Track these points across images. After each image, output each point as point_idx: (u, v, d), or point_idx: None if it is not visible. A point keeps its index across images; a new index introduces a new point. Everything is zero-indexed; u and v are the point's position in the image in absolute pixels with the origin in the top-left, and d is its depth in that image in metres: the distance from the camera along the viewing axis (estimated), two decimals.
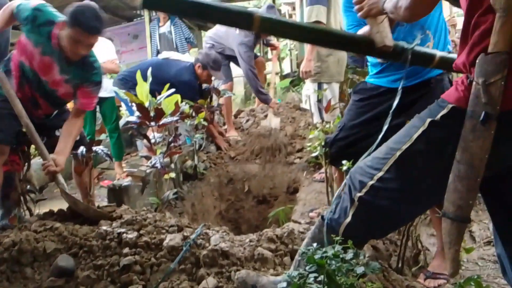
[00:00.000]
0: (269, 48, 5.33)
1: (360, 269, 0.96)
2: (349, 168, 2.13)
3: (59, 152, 2.14)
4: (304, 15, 3.26)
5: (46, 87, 2.23)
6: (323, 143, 2.56)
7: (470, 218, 1.17)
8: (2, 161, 2.13)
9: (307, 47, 3.52)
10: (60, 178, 2.13)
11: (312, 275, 0.98)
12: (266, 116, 4.51)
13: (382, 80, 1.99)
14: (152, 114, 2.57)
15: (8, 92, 2.10)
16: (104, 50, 4.45)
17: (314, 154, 2.75)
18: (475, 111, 1.05)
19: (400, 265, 1.95)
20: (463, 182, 1.10)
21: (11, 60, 2.26)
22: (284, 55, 10.70)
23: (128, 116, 3.78)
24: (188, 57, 4.16)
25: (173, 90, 2.82)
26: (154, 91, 2.79)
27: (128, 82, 3.49)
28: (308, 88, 3.51)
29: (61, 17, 2.14)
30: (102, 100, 3.70)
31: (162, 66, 3.68)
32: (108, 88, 3.70)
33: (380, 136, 1.49)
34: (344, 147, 2.16)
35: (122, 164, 4.13)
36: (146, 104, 2.56)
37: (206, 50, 3.83)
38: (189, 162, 3.34)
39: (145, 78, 2.68)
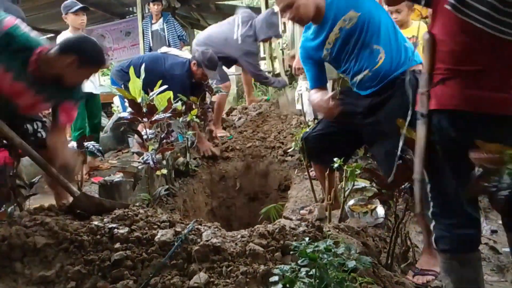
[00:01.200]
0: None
1: (351, 263, 0.97)
2: (340, 166, 2.18)
3: (67, 160, 2.15)
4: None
5: (19, 108, 2.12)
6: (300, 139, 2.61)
7: None
8: None
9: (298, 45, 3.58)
10: (71, 188, 2.13)
11: (304, 269, 0.99)
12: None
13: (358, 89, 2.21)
14: (144, 110, 2.57)
15: None
16: None
17: (290, 150, 2.83)
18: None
19: (389, 261, 1.97)
20: None
21: None
22: (276, 54, 10.69)
23: (120, 112, 3.75)
24: (188, 54, 4.16)
25: (165, 86, 2.82)
26: (149, 84, 2.79)
27: (125, 75, 3.47)
28: (301, 86, 3.52)
29: (37, 41, 2.05)
30: (89, 96, 3.67)
31: (159, 59, 3.70)
32: (96, 84, 3.68)
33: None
34: (320, 138, 2.36)
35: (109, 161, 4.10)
36: (139, 100, 2.55)
37: (203, 49, 3.83)
38: (181, 159, 3.34)
39: (138, 74, 2.66)
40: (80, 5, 3.83)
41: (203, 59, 3.69)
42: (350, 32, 2.06)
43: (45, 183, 2.45)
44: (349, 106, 2.19)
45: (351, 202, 2.52)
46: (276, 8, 3.79)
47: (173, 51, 4.05)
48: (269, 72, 5.31)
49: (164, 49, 4.09)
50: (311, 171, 3.37)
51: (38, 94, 2.10)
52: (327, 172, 2.40)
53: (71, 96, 2.22)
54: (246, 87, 5.23)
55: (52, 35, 7.45)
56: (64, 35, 4.04)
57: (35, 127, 2.33)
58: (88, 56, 2.03)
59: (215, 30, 4.51)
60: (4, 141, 2.16)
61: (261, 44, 7.58)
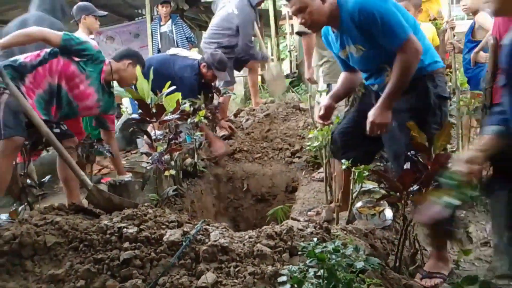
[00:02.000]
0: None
1: (359, 264, 0.97)
2: (348, 168, 2.17)
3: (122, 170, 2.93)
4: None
5: (74, 109, 2.65)
6: (323, 141, 2.61)
7: None
8: (16, 153, 2.26)
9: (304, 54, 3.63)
10: (87, 180, 2.26)
11: (312, 270, 0.99)
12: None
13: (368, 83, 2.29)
14: (153, 110, 2.59)
15: (24, 105, 2.25)
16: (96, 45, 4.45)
17: (308, 146, 2.83)
18: None
19: (397, 264, 1.96)
20: None
21: (36, 72, 2.47)
22: (284, 56, 10.72)
23: (129, 113, 3.79)
24: (197, 55, 4.17)
25: (173, 87, 2.84)
26: (158, 86, 2.82)
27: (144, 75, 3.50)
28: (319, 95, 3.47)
29: (104, 56, 2.75)
30: None
31: (168, 61, 3.72)
32: None
33: None
34: (343, 133, 2.40)
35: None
36: (148, 100, 2.57)
37: (212, 51, 3.85)
38: (189, 160, 3.35)
39: (146, 76, 2.69)
40: (102, 12, 4.02)
41: (213, 61, 3.72)
42: (358, 58, 2.11)
43: (60, 180, 2.57)
44: (368, 105, 2.16)
45: (359, 204, 2.51)
46: None
47: (182, 52, 4.07)
48: (266, 60, 5.29)
49: (173, 50, 4.11)
50: (319, 172, 3.38)
51: (97, 101, 2.69)
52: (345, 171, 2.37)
53: (113, 104, 2.87)
54: (252, 89, 5.23)
55: None
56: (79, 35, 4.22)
57: (63, 129, 2.65)
58: (139, 58, 2.85)
59: (214, 20, 4.52)
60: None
61: (269, 45, 7.57)
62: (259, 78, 8.19)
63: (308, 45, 3.53)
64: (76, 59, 2.55)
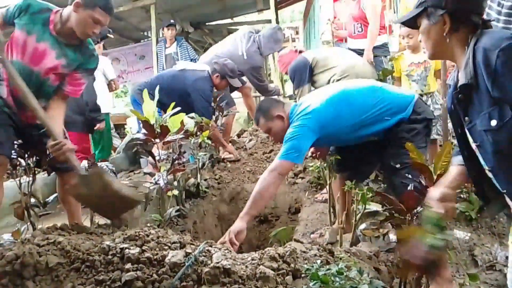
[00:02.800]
0: None
1: (364, 287, 0.96)
2: (350, 188, 2.19)
3: (59, 133, 2.16)
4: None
5: (39, 77, 2.24)
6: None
7: None
8: (3, 173, 2.16)
9: None
10: (75, 159, 2.13)
11: None
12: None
13: None
14: (157, 131, 2.61)
15: (16, 82, 2.07)
16: (106, 69, 4.61)
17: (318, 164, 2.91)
18: None
19: (402, 287, 1.93)
20: None
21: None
22: (286, 77, 10.83)
23: (133, 134, 3.82)
24: (203, 65, 4.21)
25: (178, 108, 2.86)
26: (171, 102, 2.84)
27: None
28: None
29: (54, 6, 2.27)
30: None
31: (179, 76, 3.78)
32: (110, 106, 3.80)
33: None
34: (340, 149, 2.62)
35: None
36: (152, 121, 2.59)
37: (222, 61, 3.94)
38: (192, 180, 3.35)
39: (152, 97, 2.72)
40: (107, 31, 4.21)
41: (226, 70, 3.82)
42: None
43: (60, 201, 2.48)
44: None
45: (363, 226, 2.50)
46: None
47: (189, 65, 4.11)
48: (278, 95, 5.38)
49: (180, 65, 4.14)
50: (322, 193, 3.36)
51: (58, 57, 2.24)
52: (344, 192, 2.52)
53: (87, 63, 2.34)
54: (251, 112, 5.28)
55: None
56: (103, 59, 4.47)
57: None
58: None
59: (219, 49, 4.62)
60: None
61: (272, 66, 7.71)
62: (262, 98, 8.28)
63: None
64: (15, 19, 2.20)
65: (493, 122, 1.19)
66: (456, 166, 1.50)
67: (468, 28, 1.31)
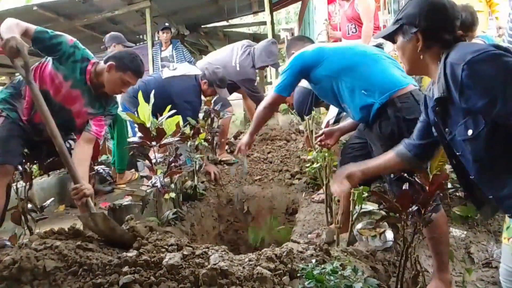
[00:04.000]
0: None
1: (358, 285, 0.97)
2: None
3: (83, 177, 2.18)
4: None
5: (69, 115, 2.38)
6: (323, 163, 2.64)
7: None
8: (7, 181, 2.17)
9: None
10: (91, 203, 2.12)
11: None
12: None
13: None
14: (153, 134, 2.61)
15: (42, 109, 2.05)
16: None
17: (314, 165, 2.87)
18: None
19: (399, 286, 1.94)
20: None
21: (23, 84, 2.31)
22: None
23: (129, 137, 3.82)
24: (193, 68, 4.17)
25: (174, 111, 2.87)
26: (158, 110, 2.85)
27: (138, 101, 3.51)
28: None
29: (92, 56, 2.42)
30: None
31: (164, 86, 3.72)
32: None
33: None
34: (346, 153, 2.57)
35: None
36: (148, 124, 2.60)
37: (213, 68, 3.90)
38: (189, 183, 3.36)
39: (147, 100, 2.73)
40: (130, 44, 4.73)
41: (214, 79, 3.78)
42: None
43: (75, 204, 2.48)
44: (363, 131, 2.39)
45: (359, 225, 2.51)
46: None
47: (177, 70, 4.00)
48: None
49: (167, 72, 3.97)
50: (319, 194, 3.38)
51: (86, 106, 2.41)
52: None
53: (110, 110, 2.53)
54: (249, 112, 5.29)
55: None
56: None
57: (68, 145, 2.44)
58: (124, 61, 2.35)
59: (213, 57, 4.62)
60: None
61: (268, 69, 7.71)
62: None
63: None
64: (52, 57, 2.29)
65: (469, 132, 1.24)
66: (392, 153, 1.70)
67: (439, 44, 1.37)
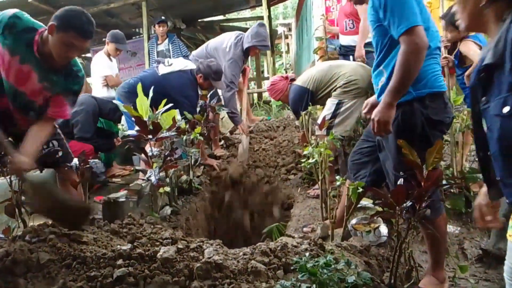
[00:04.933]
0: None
1: (351, 278, 0.98)
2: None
3: (26, 153, 2.00)
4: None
5: (25, 98, 2.16)
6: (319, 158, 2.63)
7: None
8: None
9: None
10: (24, 176, 1.99)
11: (305, 285, 1.00)
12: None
13: None
14: (150, 128, 2.61)
15: None
16: (109, 65, 4.64)
17: (310, 161, 2.75)
18: None
19: (392, 281, 1.95)
20: None
21: None
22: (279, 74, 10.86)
23: (125, 131, 3.80)
24: (188, 63, 4.16)
25: (170, 105, 2.86)
26: (154, 104, 2.84)
27: (133, 95, 3.49)
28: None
29: (41, 25, 2.14)
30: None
31: (161, 82, 3.71)
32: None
33: None
34: (354, 153, 2.43)
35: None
36: (145, 118, 2.59)
37: (208, 61, 3.89)
38: (184, 177, 3.35)
39: (146, 94, 2.72)
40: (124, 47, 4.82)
41: (209, 72, 3.78)
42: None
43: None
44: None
45: (354, 221, 2.52)
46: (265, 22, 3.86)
47: (173, 66, 3.94)
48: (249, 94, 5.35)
49: (162, 69, 3.92)
50: (314, 189, 3.38)
51: (41, 80, 2.13)
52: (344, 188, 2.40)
53: (71, 87, 2.23)
54: (242, 107, 5.27)
55: None
56: (99, 57, 4.81)
57: (51, 145, 2.37)
58: (64, 19, 2.02)
59: (210, 43, 4.67)
60: None
61: (265, 63, 7.67)
62: (255, 95, 8.28)
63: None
64: None
65: (506, 109, 1.14)
66: None
67: (506, 1, 1.23)
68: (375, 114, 1.92)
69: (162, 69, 3.88)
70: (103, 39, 5.02)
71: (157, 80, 3.69)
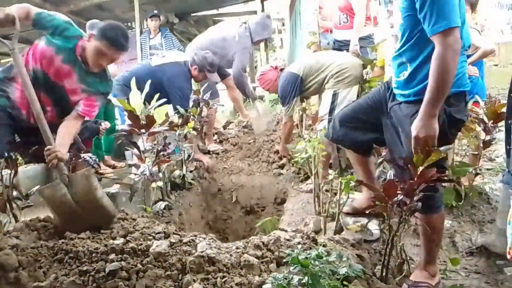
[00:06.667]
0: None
1: (343, 270, 0.99)
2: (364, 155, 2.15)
3: (61, 145, 2.15)
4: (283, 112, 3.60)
5: (62, 92, 2.35)
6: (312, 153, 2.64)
7: None
8: None
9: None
10: (63, 166, 2.09)
11: (296, 277, 1.00)
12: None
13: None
14: (143, 122, 2.59)
15: (23, 77, 2.09)
16: None
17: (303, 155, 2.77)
18: None
19: (384, 274, 1.97)
20: None
21: (14, 68, 2.30)
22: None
23: (118, 125, 3.78)
24: (182, 55, 4.14)
25: (164, 100, 2.84)
26: (150, 97, 2.82)
27: (126, 89, 3.46)
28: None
29: (85, 34, 2.39)
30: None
31: (155, 72, 3.70)
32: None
33: None
34: (344, 115, 2.33)
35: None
36: (138, 112, 2.58)
37: (203, 53, 3.87)
38: (177, 172, 3.35)
39: (141, 87, 2.70)
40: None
41: (204, 64, 3.76)
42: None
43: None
44: (379, 99, 2.15)
45: (350, 222, 2.52)
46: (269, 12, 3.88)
47: (166, 57, 3.95)
48: (253, 100, 5.35)
49: (156, 60, 3.94)
50: (307, 184, 3.40)
51: (79, 81, 2.35)
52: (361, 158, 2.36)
53: (102, 88, 2.44)
54: (235, 104, 5.27)
55: None
56: None
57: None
58: (101, 30, 2.26)
59: (214, 33, 4.61)
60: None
61: (259, 58, 7.66)
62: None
63: (287, 131, 3.71)
64: (47, 32, 2.31)
65: None
66: None
67: None
68: (417, 130, 1.75)
69: (156, 61, 3.87)
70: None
71: (151, 72, 3.70)
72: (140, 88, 2.81)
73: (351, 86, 3.28)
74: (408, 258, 2.22)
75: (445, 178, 1.83)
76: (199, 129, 3.69)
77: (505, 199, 1.85)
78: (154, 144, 2.78)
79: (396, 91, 2.01)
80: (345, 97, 3.28)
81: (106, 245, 1.69)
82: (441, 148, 1.73)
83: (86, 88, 2.38)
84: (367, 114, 2.22)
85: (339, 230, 2.42)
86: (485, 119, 2.76)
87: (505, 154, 1.59)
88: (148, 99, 2.85)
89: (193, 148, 3.63)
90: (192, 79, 3.92)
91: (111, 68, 4.68)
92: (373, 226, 2.42)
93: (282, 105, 3.66)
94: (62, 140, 2.21)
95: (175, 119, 3.14)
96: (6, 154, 2.23)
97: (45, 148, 2.07)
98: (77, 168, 2.40)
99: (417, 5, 1.73)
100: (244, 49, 4.36)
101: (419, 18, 1.75)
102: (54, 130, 2.21)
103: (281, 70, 3.65)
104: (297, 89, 3.40)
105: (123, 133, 2.66)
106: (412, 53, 1.87)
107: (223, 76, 4.55)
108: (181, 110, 3.40)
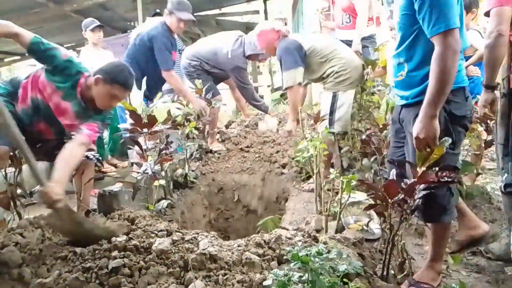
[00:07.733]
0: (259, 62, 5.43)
1: (342, 267, 1.00)
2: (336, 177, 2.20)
3: (58, 181, 1.90)
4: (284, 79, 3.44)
5: (60, 123, 2.37)
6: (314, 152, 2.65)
7: None
8: (3, 163, 2.17)
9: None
10: (61, 206, 1.85)
11: (297, 274, 1.01)
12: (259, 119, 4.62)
13: None
14: (145, 121, 2.61)
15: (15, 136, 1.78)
16: (96, 54, 4.61)
17: (305, 155, 2.76)
18: None
19: (385, 273, 1.98)
20: None
21: (22, 87, 2.35)
22: (275, 69, 10.86)
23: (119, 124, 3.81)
24: (157, 21, 4.13)
25: (166, 98, 2.86)
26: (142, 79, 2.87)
27: None
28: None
29: (86, 69, 2.38)
30: None
31: (137, 44, 3.77)
32: None
33: None
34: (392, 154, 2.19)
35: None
36: (140, 111, 2.59)
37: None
38: (179, 171, 3.36)
39: (135, 67, 2.72)
40: (97, 23, 4.52)
41: (172, 5, 3.76)
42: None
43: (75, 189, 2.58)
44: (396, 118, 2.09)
45: (351, 221, 2.53)
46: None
47: (142, 27, 3.99)
48: (268, 86, 5.36)
49: (134, 32, 4.04)
50: (309, 183, 3.41)
51: (78, 118, 2.35)
52: None
53: (103, 120, 2.45)
54: (238, 103, 5.27)
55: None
56: (85, 50, 4.72)
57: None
58: (110, 74, 2.27)
59: (204, 45, 4.54)
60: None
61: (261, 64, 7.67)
62: None
63: (295, 98, 3.52)
64: (45, 67, 2.29)
65: None
66: None
67: None
68: (418, 131, 1.74)
69: (134, 33, 3.97)
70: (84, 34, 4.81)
71: (134, 43, 3.81)
72: (137, 68, 2.82)
73: (349, 89, 3.29)
74: (410, 257, 2.22)
75: (449, 180, 1.80)
76: (201, 128, 3.70)
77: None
78: (157, 143, 2.80)
79: (395, 91, 2.02)
80: (344, 102, 3.28)
81: (109, 242, 1.70)
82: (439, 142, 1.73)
83: (85, 120, 2.34)
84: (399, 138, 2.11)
85: (340, 229, 2.43)
86: None
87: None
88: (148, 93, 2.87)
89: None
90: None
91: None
92: (375, 225, 2.42)
93: (283, 71, 3.42)
94: (61, 173, 1.97)
95: (178, 118, 3.15)
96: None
97: (39, 190, 1.84)
98: (81, 167, 2.41)
99: (416, 6, 1.73)
100: (238, 68, 4.35)
101: (417, 18, 1.75)
102: (54, 157, 2.09)
103: (284, 36, 3.49)
104: (302, 56, 3.27)
105: (125, 132, 2.68)
106: (409, 53, 1.87)
107: (226, 77, 4.56)
108: (184, 109, 3.40)
